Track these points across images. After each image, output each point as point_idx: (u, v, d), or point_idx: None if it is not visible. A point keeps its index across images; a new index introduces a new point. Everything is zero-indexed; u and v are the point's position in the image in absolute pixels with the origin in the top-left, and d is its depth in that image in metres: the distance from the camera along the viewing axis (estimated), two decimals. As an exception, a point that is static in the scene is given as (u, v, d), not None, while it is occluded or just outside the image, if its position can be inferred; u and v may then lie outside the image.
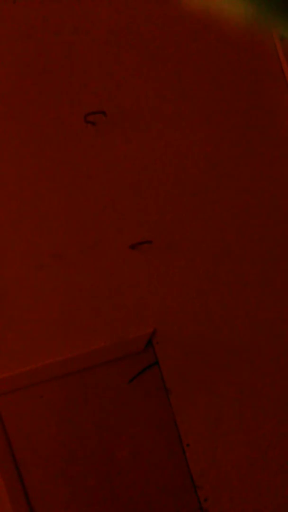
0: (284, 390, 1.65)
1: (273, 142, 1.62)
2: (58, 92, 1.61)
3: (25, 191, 1.63)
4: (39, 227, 1.63)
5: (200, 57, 1.60)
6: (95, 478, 1.65)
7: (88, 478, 1.65)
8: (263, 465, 1.65)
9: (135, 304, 1.64)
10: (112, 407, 1.65)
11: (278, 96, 1.60)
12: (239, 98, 1.61)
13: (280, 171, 1.63)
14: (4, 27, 1.61)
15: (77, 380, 1.64)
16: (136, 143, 1.62)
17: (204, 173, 1.62)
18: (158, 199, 1.62)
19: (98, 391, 1.65)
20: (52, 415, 1.65)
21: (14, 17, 1.60)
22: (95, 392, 1.65)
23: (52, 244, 1.64)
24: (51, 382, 1.64)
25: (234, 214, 1.63)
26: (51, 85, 1.61)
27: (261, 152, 1.62)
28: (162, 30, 1.59)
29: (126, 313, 1.64)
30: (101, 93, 1.60)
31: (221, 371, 1.64)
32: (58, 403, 1.65)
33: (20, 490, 1.65)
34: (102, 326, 1.64)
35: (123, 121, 1.61)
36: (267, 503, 1.65)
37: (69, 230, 1.63)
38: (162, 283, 1.63)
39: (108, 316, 1.64)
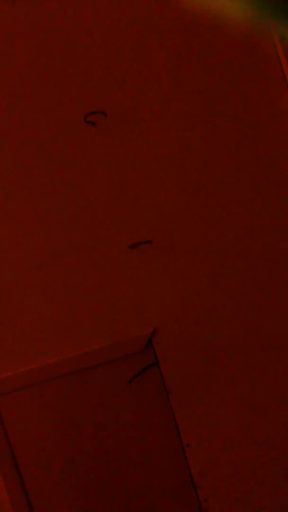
0: (284, 390, 1.65)
1: (273, 142, 1.62)
2: (58, 92, 1.61)
3: (25, 191, 1.63)
4: (39, 227, 1.63)
5: (200, 57, 1.60)
6: (95, 478, 1.65)
7: (87, 478, 1.65)
8: (263, 465, 1.65)
9: (135, 304, 1.64)
10: (112, 407, 1.65)
11: (278, 96, 1.60)
12: (239, 98, 1.61)
13: (280, 171, 1.63)
14: (4, 27, 1.60)
15: (77, 380, 1.64)
16: (136, 143, 1.62)
17: (204, 173, 1.62)
18: (158, 199, 1.62)
19: (98, 391, 1.65)
20: (52, 415, 1.65)
21: (14, 17, 1.60)
22: (95, 392, 1.65)
23: (52, 244, 1.64)
24: (51, 382, 1.64)
25: (234, 214, 1.63)
26: (51, 85, 1.61)
27: (261, 152, 1.62)
28: (162, 30, 1.59)
29: (126, 313, 1.64)
30: (101, 93, 1.60)
31: (221, 371, 1.64)
32: (58, 403, 1.65)
33: (20, 490, 1.64)
34: (102, 326, 1.64)
35: (123, 121, 1.61)
36: (267, 503, 1.65)
37: (69, 230, 1.63)
38: (162, 283, 1.63)
39: (108, 316, 1.64)
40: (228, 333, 1.64)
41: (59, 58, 1.60)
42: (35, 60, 1.61)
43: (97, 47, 1.60)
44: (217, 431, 1.65)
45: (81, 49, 1.60)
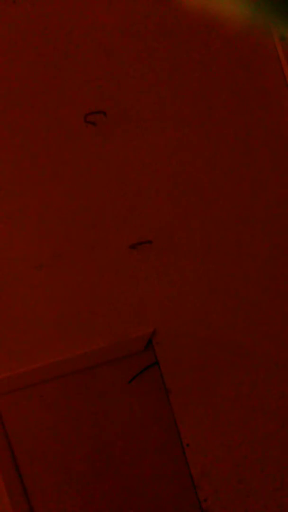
0: (284, 390, 1.65)
1: (273, 142, 1.62)
2: (58, 92, 1.61)
3: (25, 191, 1.63)
4: (39, 227, 1.63)
5: (200, 57, 1.60)
6: (95, 478, 1.65)
7: (87, 477, 1.65)
8: (263, 465, 1.65)
9: (135, 304, 1.64)
10: (112, 407, 1.65)
11: (278, 96, 1.60)
12: (239, 98, 1.61)
13: (280, 171, 1.62)
14: (4, 27, 1.60)
15: (77, 380, 1.64)
16: (136, 143, 1.62)
17: (204, 173, 1.62)
18: (158, 199, 1.62)
19: (98, 391, 1.65)
20: (52, 415, 1.65)
21: (14, 17, 1.60)
22: (95, 392, 1.65)
23: (52, 244, 1.64)
24: (51, 382, 1.64)
25: (234, 214, 1.63)
26: (51, 85, 1.61)
27: (261, 152, 1.62)
28: (162, 30, 1.59)
29: (126, 313, 1.64)
30: (101, 93, 1.60)
31: (221, 371, 1.64)
32: (58, 403, 1.65)
33: (20, 490, 1.64)
34: (102, 326, 1.64)
35: (123, 121, 1.61)
36: (266, 503, 1.65)
37: (69, 230, 1.63)
38: (162, 283, 1.63)
39: (108, 316, 1.64)
40: (228, 333, 1.64)
41: (59, 58, 1.60)
42: (35, 60, 1.61)
43: (97, 47, 1.60)
44: (217, 431, 1.65)
45: (81, 49, 1.60)
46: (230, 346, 1.64)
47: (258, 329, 1.64)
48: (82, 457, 1.65)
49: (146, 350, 1.64)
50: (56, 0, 1.60)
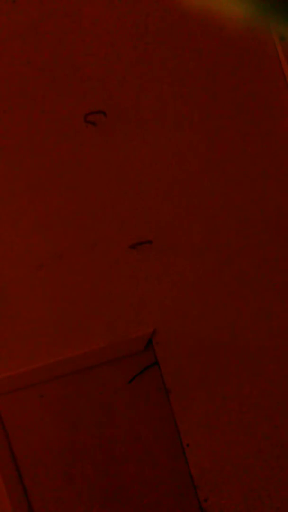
0: (284, 390, 1.65)
1: (273, 142, 1.62)
2: (58, 92, 1.61)
3: (25, 191, 1.63)
4: (39, 227, 1.63)
5: (200, 57, 1.60)
6: (95, 478, 1.65)
7: (88, 478, 1.65)
8: (263, 465, 1.65)
9: (135, 304, 1.64)
10: (112, 407, 1.65)
11: (278, 96, 1.60)
12: (239, 98, 1.61)
13: (280, 171, 1.62)
14: (4, 27, 1.60)
15: (77, 380, 1.64)
16: (136, 143, 1.62)
17: (204, 173, 1.62)
18: (158, 199, 1.62)
19: (98, 391, 1.65)
20: (52, 415, 1.65)
21: (14, 17, 1.60)
22: (95, 392, 1.65)
23: (52, 244, 1.64)
24: (51, 382, 1.64)
25: (234, 214, 1.63)
26: (51, 85, 1.61)
27: (261, 152, 1.62)
28: (162, 30, 1.59)
29: (126, 313, 1.64)
30: (101, 93, 1.60)
31: (221, 371, 1.64)
32: (58, 403, 1.65)
33: (20, 490, 1.65)
34: (102, 326, 1.64)
35: (123, 121, 1.61)
36: (267, 503, 1.65)
37: (69, 230, 1.63)
38: (162, 283, 1.63)
39: (108, 316, 1.64)
40: (228, 333, 1.64)
41: (59, 58, 1.60)
42: (35, 60, 1.61)
43: (97, 47, 1.60)
44: (217, 431, 1.65)
45: (81, 49, 1.60)
46: (230, 346, 1.64)
47: (258, 328, 1.64)
48: (82, 457, 1.65)
49: (146, 350, 1.64)
50: (56, 0, 1.60)
